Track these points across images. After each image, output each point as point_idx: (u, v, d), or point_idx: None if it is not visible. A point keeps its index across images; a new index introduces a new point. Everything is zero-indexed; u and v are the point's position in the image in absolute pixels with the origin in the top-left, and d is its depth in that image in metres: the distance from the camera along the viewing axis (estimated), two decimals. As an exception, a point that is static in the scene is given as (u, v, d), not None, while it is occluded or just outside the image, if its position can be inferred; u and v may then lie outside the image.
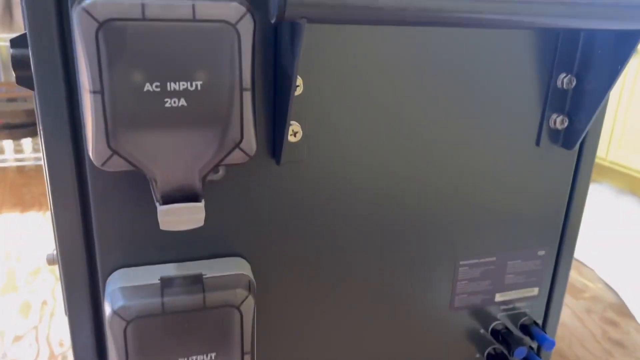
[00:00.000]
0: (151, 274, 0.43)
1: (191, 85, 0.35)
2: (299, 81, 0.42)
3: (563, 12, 0.41)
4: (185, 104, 0.35)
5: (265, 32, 0.41)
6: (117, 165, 0.35)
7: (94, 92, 0.34)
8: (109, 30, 0.33)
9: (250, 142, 0.38)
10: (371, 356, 0.55)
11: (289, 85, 0.39)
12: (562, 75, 0.50)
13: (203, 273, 0.43)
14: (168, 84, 0.35)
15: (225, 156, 0.38)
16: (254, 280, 0.44)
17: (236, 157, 0.38)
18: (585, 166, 0.55)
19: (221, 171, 0.42)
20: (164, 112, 0.35)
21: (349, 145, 0.46)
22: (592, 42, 0.48)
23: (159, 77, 0.34)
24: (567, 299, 1.46)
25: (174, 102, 0.35)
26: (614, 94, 2.19)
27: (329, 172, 0.47)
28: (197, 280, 0.42)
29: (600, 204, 2.13)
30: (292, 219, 0.47)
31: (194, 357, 0.43)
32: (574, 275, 1.59)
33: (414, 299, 0.54)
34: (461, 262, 0.54)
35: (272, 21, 0.34)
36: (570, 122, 0.51)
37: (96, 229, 0.42)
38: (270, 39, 0.41)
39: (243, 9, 0.35)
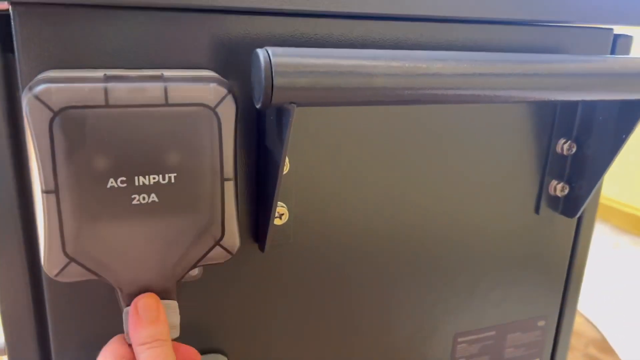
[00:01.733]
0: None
1: (163, 179, 0.30)
2: (286, 161, 0.38)
3: (559, 86, 0.38)
4: (156, 199, 0.30)
5: (245, 107, 0.36)
6: (75, 274, 0.30)
7: (46, 191, 0.29)
8: (65, 120, 0.28)
9: (233, 237, 0.33)
10: None
11: (276, 169, 0.34)
12: (562, 140, 0.47)
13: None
14: (136, 178, 0.30)
15: (204, 255, 0.33)
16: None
17: (216, 255, 0.33)
18: (585, 234, 0.52)
19: (197, 271, 0.37)
20: (132, 210, 0.30)
21: (339, 223, 0.42)
22: (593, 107, 0.45)
23: (125, 171, 0.30)
24: (550, 336, 1.44)
25: (143, 199, 0.30)
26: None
27: (317, 253, 0.42)
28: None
29: (574, 233, 2.13)
30: (278, 309, 0.42)
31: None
32: (554, 311, 1.58)
33: (409, 380, 0.50)
34: (459, 339, 0.50)
35: (258, 107, 0.30)
36: (571, 189, 0.48)
37: (52, 329, 0.37)
38: (252, 115, 0.37)
39: (223, 91, 0.31)
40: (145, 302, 0.31)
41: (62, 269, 0.30)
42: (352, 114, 0.40)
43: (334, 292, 0.44)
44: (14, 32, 0.30)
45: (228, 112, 0.31)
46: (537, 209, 0.49)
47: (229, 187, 0.32)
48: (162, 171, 0.30)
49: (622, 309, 1.56)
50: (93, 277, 0.31)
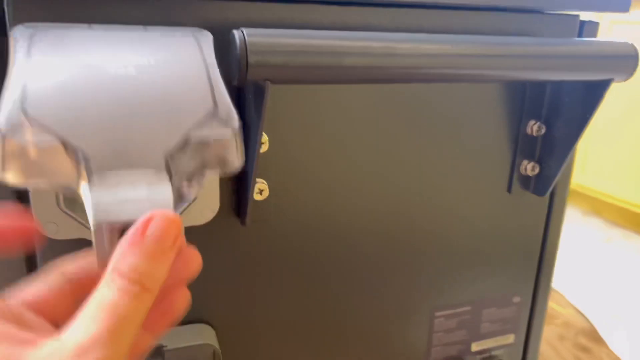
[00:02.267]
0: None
1: (142, 59, 0.29)
2: (265, 138, 0.40)
3: (527, 66, 0.40)
4: (134, 72, 0.28)
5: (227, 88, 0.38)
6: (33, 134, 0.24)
7: None
8: None
9: (228, 112, 0.29)
10: (346, 416, 0.52)
11: (254, 145, 0.36)
12: (532, 122, 0.49)
13: (164, 344, 0.40)
14: (113, 55, 0.28)
15: (199, 125, 0.31)
16: (219, 349, 0.41)
17: (215, 130, 0.31)
18: (557, 211, 0.54)
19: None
20: (107, 78, 0.27)
21: (318, 200, 0.44)
22: (560, 89, 0.47)
23: (102, 53, 0.28)
24: (540, 326, 1.46)
25: (120, 70, 0.28)
26: (575, 118, 2.24)
27: (297, 229, 0.44)
28: (157, 353, 0.39)
29: (566, 227, 2.16)
30: (260, 279, 0.44)
31: None
32: (545, 301, 1.60)
33: (389, 353, 0.52)
34: (437, 313, 0.53)
35: (234, 84, 0.33)
36: (541, 169, 0.50)
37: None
38: (233, 95, 0.39)
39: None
40: (168, 223, 0.22)
41: (18, 128, 0.24)
42: (330, 95, 0.42)
43: (314, 267, 0.46)
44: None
45: (206, 40, 0.32)
46: (509, 188, 0.51)
47: (213, 69, 0.30)
48: (141, 55, 0.29)
49: (613, 300, 1.59)
50: (54, 141, 0.24)
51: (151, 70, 0.28)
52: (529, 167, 0.50)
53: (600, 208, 2.30)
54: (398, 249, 0.49)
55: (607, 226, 2.16)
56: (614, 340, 1.38)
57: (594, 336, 1.41)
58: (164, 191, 0.24)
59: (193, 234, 0.40)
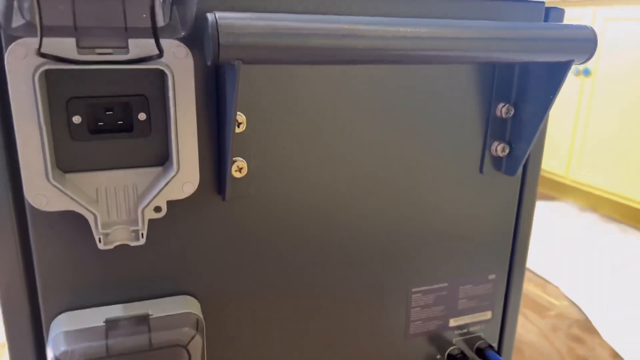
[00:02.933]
0: (97, 316, 0.42)
1: None
2: (242, 118, 0.43)
3: (494, 47, 0.43)
4: None
5: (207, 70, 0.41)
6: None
7: None
8: None
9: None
10: (328, 388, 0.55)
11: (230, 123, 0.39)
12: (501, 104, 0.52)
13: (149, 313, 0.43)
14: None
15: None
16: (202, 318, 0.44)
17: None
18: (529, 192, 0.56)
19: (163, 209, 0.42)
20: None
21: (296, 178, 0.47)
22: (527, 73, 0.50)
23: None
24: (534, 318, 1.48)
25: None
26: (571, 115, 2.27)
27: (276, 206, 0.47)
28: (142, 321, 0.42)
29: (563, 222, 2.18)
30: (242, 254, 0.47)
31: None
32: (539, 294, 1.62)
33: (369, 327, 0.54)
34: (414, 289, 0.55)
35: (208, 64, 0.35)
36: (511, 150, 0.52)
37: (38, 271, 0.42)
38: (212, 77, 0.42)
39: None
40: None
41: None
42: (307, 78, 0.45)
43: (293, 243, 0.49)
44: None
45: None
46: (481, 169, 0.54)
47: None
48: None
49: (607, 292, 1.60)
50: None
51: None
52: (499, 148, 0.52)
53: (597, 203, 2.32)
54: (374, 228, 0.51)
55: (603, 220, 2.18)
56: (607, 330, 1.40)
57: (588, 327, 1.42)
58: None
59: (177, 209, 0.43)
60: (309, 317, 0.52)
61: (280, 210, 0.47)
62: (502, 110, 0.51)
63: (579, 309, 1.52)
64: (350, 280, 0.52)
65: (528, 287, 1.65)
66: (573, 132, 2.26)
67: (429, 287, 0.55)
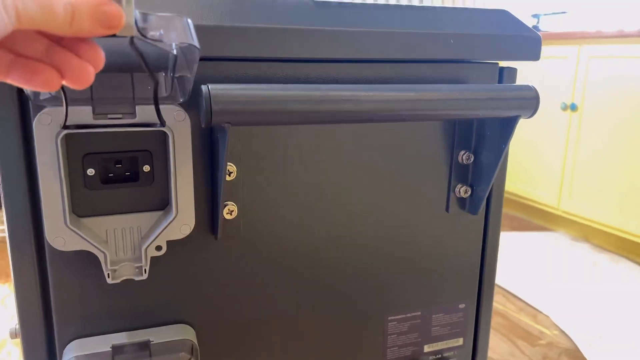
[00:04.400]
0: (104, 343, 0.48)
1: None
2: (233, 168, 0.50)
3: (450, 107, 0.50)
4: None
5: (202, 129, 0.48)
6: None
7: None
8: None
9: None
10: (313, 410, 0.60)
11: (221, 172, 0.46)
12: (462, 152, 0.58)
13: (150, 340, 0.48)
14: None
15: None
16: (197, 344, 0.50)
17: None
18: (493, 227, 0.63)
19: (163, 248, 0.48)
20: None
21: (281, 219, 0.54)
22: (483, 125, 0.57)
23: None
24: (524, 346, 1.52)
25: None
26: (561, 148, 2.34)
27: (264, 244, 0.53)
28: (144, 347, 0.48)
29: (554, 252, 2.23)
30: (233, 287, 0.53)
31: None
32: (530, 323, 1.66)
33: (349, 353, 0.60)
34: (390, 317, 0.61)
35: (203, 126, 0.42)
36: (473, 191, 0.59)
37: (54, 302, 0.48)
38: (207, 137, 0.49)
39: None
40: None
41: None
42: (291, 135, 0.52)
43: (278, 278, 0.55)
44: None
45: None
46: (447, 208, 0.60)
47: None
48: None
49: (598, 321, 1.64)
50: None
51: None
52: (462, 190, 0.59)
53: (588, 233, 2.37)
54: (354, 262, 0.58)
55: (595, 250, 2.22)
56: (596, 359, 1.44)
57: (577, 356, 1.46)
58: None
59: (175, 247, 0.50)
60: (294, 344, 0.57)
61: (267, 247, 0.54)
62: (463, 157, 0.58)
63: (569, 338, 1.56)
64: (332, 309, 0.58)
65: (519, 316, 1.69)
66: (563, 164, 2.34)
67: (403, 316, 0.61)
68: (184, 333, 0.50)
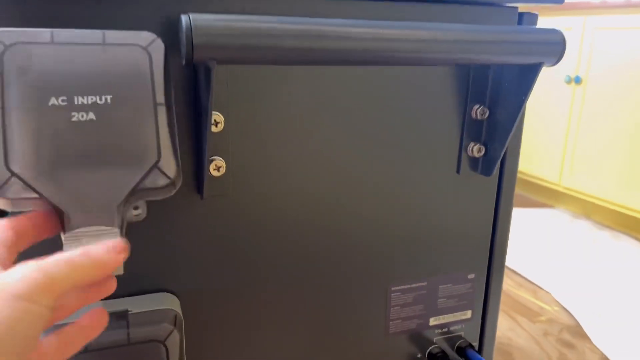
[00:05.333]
0: (77, 312, 0.43)
1: (100, 99, 0.34)
2: (220, 118, 0.44)
3: (465, 49, 0.44)
4: (94, 117, 0.34)
5: (186, 72, 0.42)
6: (16, 191, 0.32)
7: None
8: (14, 53, 0.33)
9: (169, 162, 0.36)
10: (309, 386, 0.55)
11: (206, 122, 0.40)
12: (476, 106, 0.53)
13: (129, 310, 0.43)
14: (75, 97, 0.34)
15: (144, 178, 0.37)
16: (181, 314, 0.45)
17: (156, 180, 0.37)
18: (507, 191, 0.58)
19: (141, 209, 0.42)
20: (71, 127, 0.34)
21: (275, 178, 0.48)
22: (500, 76, 0.51)
23: (65, 92, 0.34)
24: (525, 323, 1.49)
25: (82, 117, 0.34)
26: (563, 123, 2.29)
27: (255, 205, 0.48)
28: (122, 317, 0.43)
29: (556, 229, 2.19)
30: (221, 252, 0.48)
31: None
32: (530, 299, 1.62)
33: (348, 326, 0.55)
34: (393, 288, 0.56)
35: (183, 63, 0.36)
36: (487, 150, 0.54)
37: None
38: (191, 78, 0.43)
39: (153, 36, 0.36)
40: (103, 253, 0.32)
41: (4, 184, 0.32)
42: (285, 79, 0.46)
43: (271, 241, 0.50)
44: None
45: (157, 51, 0.36)
46: (458, 169, 0.55)
47: (162, 112, 0.36)
48: (99, 93, 0.34)
49: (598, 298, 1.61)
50: (35, 196, 0.32)
51: (107, 113, 0.34)
52: (475, 149, 0.54)
53: (590, 210, 2.33)
54: (353, 227, 0.52)
55: (596, 227, 2.19)
56: (597, 336, 1.41)
57: (578, 332, 1.43)
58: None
59: (158, 208, 0.44)
60: (289, 316, 0.52)
61: (259, 209, 0.48)
62: (478, 111, 0.53)
63: (570, 314, 1.53)
64: (330, 278, 0.53)
65: (519, 292, 1.66)
66: (565, 140, 2.28)
67: (408, 286, 0.56)
68: (166, 302, 0.45)
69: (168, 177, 0.36)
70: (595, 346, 1.36)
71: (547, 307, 1.57)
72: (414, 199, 0.54)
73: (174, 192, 0.37)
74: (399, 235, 0.55)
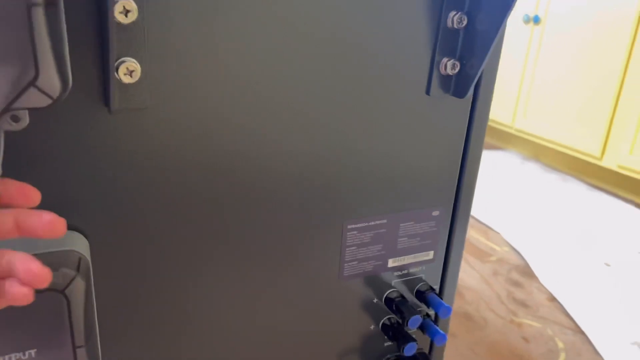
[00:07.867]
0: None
1: None
2: (131, 5, 0.33)
3: None
4: None
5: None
6: None
7: None
8: None
9: (51, 78, 0.29)
10: (256, 334, 0.48)
11: (111, 8, 0.30)
12: (452, 13, 0.44)
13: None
14: None
15: (17, 97, 0.28)
16: (87, 257, 0.36)
17: (35, 99, 0.29)
18: (480, 117, 0.50)
19: (23, 119, 0.32)
20: None
21: (205, 90, 0.38)
22: (483, -26, 0.43)
23: None
24: (475, 263, 1.49)
25: None
26: (520, 64, 2.25)
27: (180, 123, 0.38)
28: None
29: (506, 171, 2.19)
30: (137, 181, 0.39)
31: (10, 356, 0.34)
32: (481, 240, 1.62)
33: (298, 268, 0.48)
34: (349, 226, 0.49)
35: None
36: (462, 67, 0.46)
37: None
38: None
39: None
40: None
41: None
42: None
43: (201, 174, 0.41)
44: None
45: None
46: (428, 90, 0.47)
47: (38, 15, 0.27)
48: None
49: (546, 239, 1.63)
50: None
51: None
52: (449, 65, 0.46)
53: (540, 152, 2.35)
54: (302, 156, 0.44)
55: (545, 170, 2.21)
56: (545, 275, 1.42)
57: (527, 272, 1.44)
58: None
59: (50, 121, 0.34)
60: (228, 260, 0.44)
61: (185, 129, 0.39)
62: (454, 19, 0.44)
63: (519, 254, 1.54)
64: (273, 215, 0.45)
65: (470, 233, 1.65)
66: (520, 81, 2.25)
67: (365, 224, 0.49)
68: (70, 242, 0.36)
69: (50, 97, 0.29)
70: (542, 285, 1.37)
71: (497, 247, 1.57)
72: (374, 124, 0.46)
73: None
74: (356, 165, 0.47)
